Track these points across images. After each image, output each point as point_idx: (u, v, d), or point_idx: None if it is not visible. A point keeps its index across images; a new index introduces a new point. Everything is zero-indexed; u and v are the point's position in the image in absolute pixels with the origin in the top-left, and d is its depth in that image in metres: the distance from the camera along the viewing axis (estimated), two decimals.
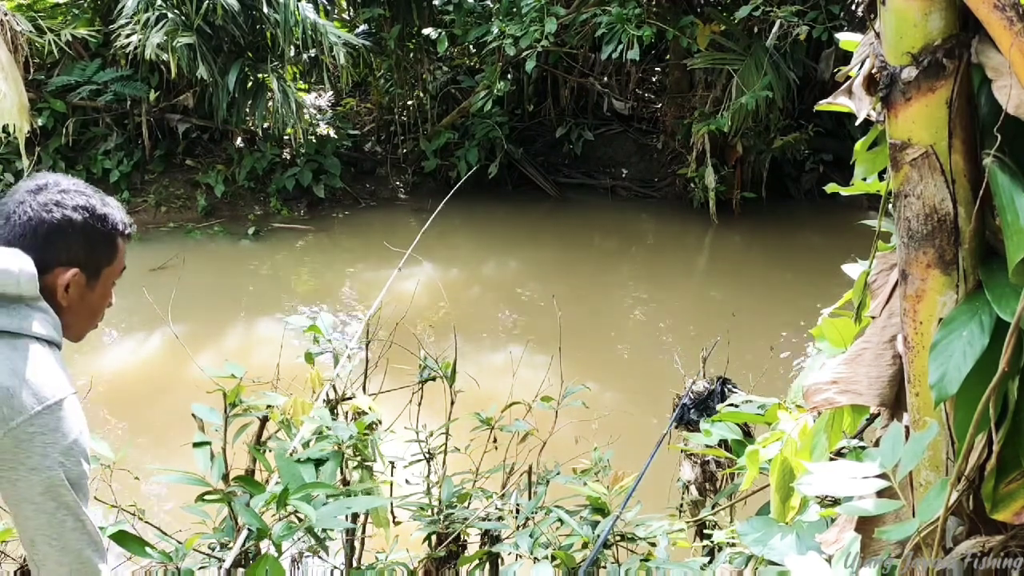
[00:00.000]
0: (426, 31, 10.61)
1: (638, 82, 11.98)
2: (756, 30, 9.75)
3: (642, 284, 8.91)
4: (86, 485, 1.47)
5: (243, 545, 1.95)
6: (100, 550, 1.49)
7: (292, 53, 9.75)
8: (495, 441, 2.61)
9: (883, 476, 1.18)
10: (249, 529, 1.89)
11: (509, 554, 2.29)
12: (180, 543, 1.97)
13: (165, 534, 2.11)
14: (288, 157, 10.52)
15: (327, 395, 2.54)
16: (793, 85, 9.51)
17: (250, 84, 9.47)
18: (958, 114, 1.09)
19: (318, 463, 2.07)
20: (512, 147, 10.91)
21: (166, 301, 3.67)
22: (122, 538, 1.85)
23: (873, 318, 1.36)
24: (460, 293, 8.09)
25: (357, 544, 2.51)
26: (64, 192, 1.59)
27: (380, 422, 2.47)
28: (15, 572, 2.34)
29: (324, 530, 1.93)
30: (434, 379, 2.60)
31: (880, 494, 1.20)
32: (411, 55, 11.25)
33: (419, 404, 2.68)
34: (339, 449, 2.16)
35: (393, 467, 2.55)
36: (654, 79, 12.29)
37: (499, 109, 10.52)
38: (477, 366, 4.59)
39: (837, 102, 1.35)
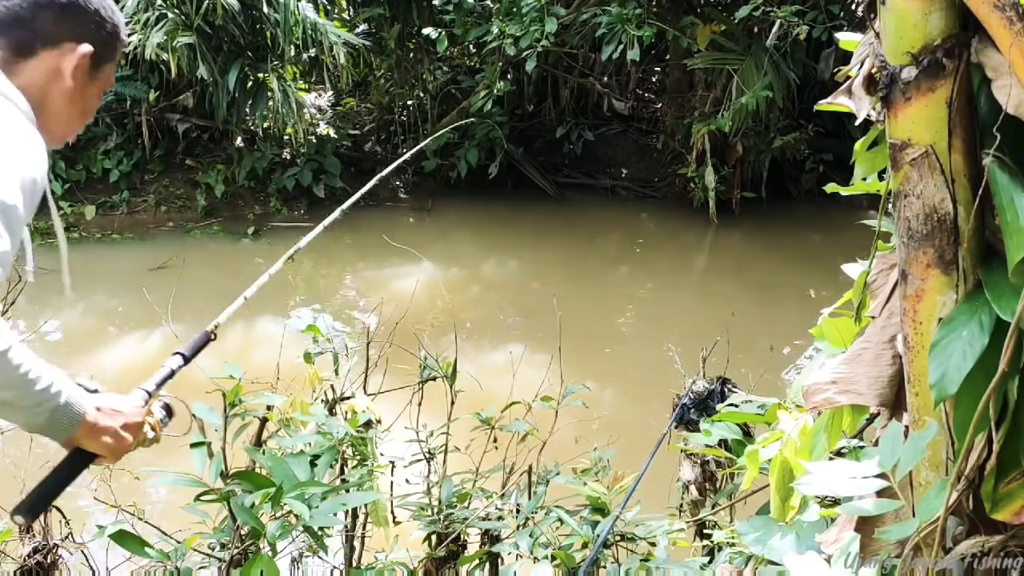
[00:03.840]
0: (426, 31, 10.61)
1: (638, 82, 11.97)
2: (756, 30, 9.75)
3: (642, 284, 8.91)
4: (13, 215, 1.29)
5: (242, 544, 1.96)
6: None
7: (292, 53, 9.74)
8: (495, 441, 2.61)
9: (883, 476, 1.18)
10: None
11: (509, 554, 2.29)
12: (179, 543, 1.97)
13: (165, 534, 2.11)
14: (288, 157, 10.52)
15: (325, 395, 2.54)
16: (793, 85, 9.50)
17: (250, 84, 9.46)
18: (958, 114, 1.09)
19: (313, 460, 2.07)
20: (512, 147, 10.91)
21: (166, 301, 3.67)
22: (122, 538, 1.85)
23: (873, 318, 1.36)
24: (460, 293, 8.09)
25: (357, 544, 2.51)
26: None
27: (380, 421, 2.47)
28: (15, 572, 2.34)
29: (321, 529, 1.93)
30: (434, 379, 2.60)
31: (880, 494, 1.20)
32: (411, 55, 11.25)
33: (419, 404, 2.68)
34: (335, 446, 2.16)
35: (393, 467, 2.55)
36: (654, 79, 12.29)
37: (499, 109, 10.52)
38: (477, 366, 4.59)
39: (837, 102, 1.35)
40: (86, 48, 1.51)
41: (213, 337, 1.82)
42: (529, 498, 2.47)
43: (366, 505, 2.38)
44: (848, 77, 1.29)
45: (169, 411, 1.71)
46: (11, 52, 1.46)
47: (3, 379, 1.28)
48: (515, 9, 9.55)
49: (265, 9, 9.16)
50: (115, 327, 6.97)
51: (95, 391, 1.55)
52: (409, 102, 11.31)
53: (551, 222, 10.35)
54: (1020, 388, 1.09)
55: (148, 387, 1.65)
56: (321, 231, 2.26)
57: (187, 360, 1.75)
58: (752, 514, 1.87)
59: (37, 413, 1.37)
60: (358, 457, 2.35)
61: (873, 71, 1.15)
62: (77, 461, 1.55)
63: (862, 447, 1.64)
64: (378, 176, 2.92)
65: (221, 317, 1.89)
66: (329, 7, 10.91)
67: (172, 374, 1.70)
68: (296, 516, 1.86)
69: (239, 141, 10.54)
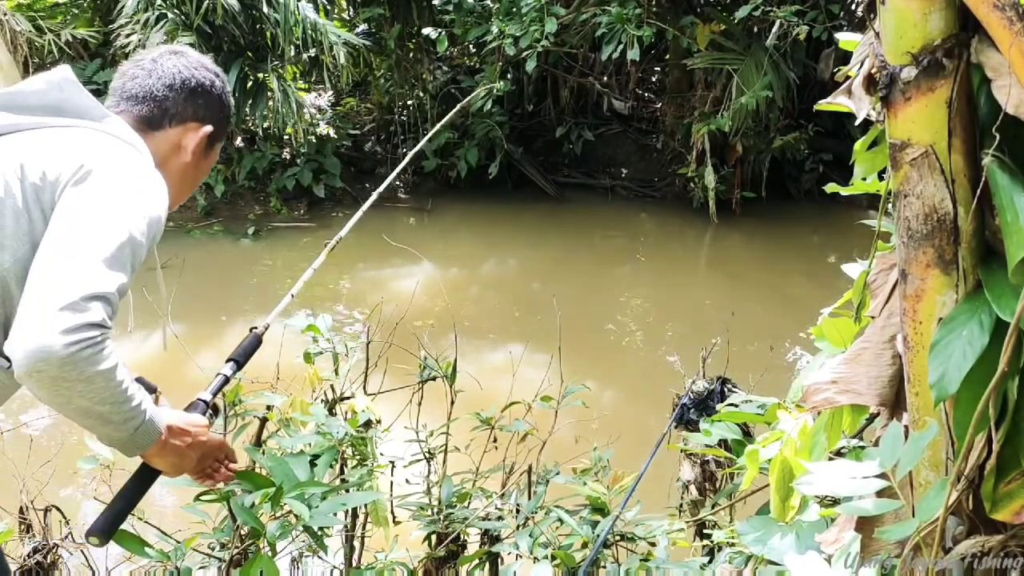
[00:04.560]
0: (426, 31, 10.61)
1: (638, 82, 11.97)
2: (756, 30, 9.75)
3: (642, 284, 8.91)
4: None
5: (242, 544, 1.96)
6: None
7: (292, 53, 9.74)
8: (495, 441, 2.61)
9: (883, 476, 1.18)
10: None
11: (509, 554, 2.29)
12: (179, 543, 1.97)
13: (165, 534, 2.11)
14: (288, 157, 10.52)
15: (325, 395, 2.54)
16: (793, 85, 9.50)
17: (250, 84, 9.46)
18: (958, 114, 1.09)
19: (313, 460, 2.08)
20: (512, 147, 10.91)
21: (166, 301, 3.67)
22: (122, 538, 1.85)
23: (873, 318, 1.36)
24: (460, 292, 8.09)
25: (357, 544, 2.51)
26: (202, 60, 1.68)
27: (380, 421, 2.47)
28: (15, 572, 2.34)
29: (321, 529, 1.93)
30: (434, 379, 2.59)
31: (880, 494, 1.20)
32: (411, 55, 11.25)
33: (419, 404, 2.68)
34: (335, 446, 2.16)
35: (393, 467, 2.55)
36: (654, 79, 12.28)
37: (499, 109, 10.52)
38: (477, 365, 4.59)
39: (837, 102, 1.34)
40: (208, 128, 1.66)
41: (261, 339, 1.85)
42: (529, 498, 2.47)
43: (366, 505, 2.38)
44: (848, 77, 1.29)
45: (216, 411, 1.76)
46: (140, 123, 1.61)
47: (106, 394, 1.33)
48: (515, 9, 9.55)
49: (265, 9, 9.15)
50: (115, 327, 6.96)
51: (155, 390, 1.60)
52: (409, 102, 11.31)
53: (551, 222, 10.35)
54: (1020, 388, 1.09)
55: (205, 397, 1.70)
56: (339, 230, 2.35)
57: (240, 365, 1.79)
58: (752, 514, 1.87)
59: (124, 429, 1.41)
60: (358, 457, 2.35)
61: (873, 71, 1.15)
62: (145, 478, 1.59)
63: (862, 447, 1.64)
64: (414, 151, 3.04)
65: (270, 316, 1.95)
66: (329, 7, 10.90)
67: (227, 380, 1.75)
68: (296, 516, 1.86)
69: (239, 141, 10.53)
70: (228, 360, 1.79)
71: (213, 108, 1.68)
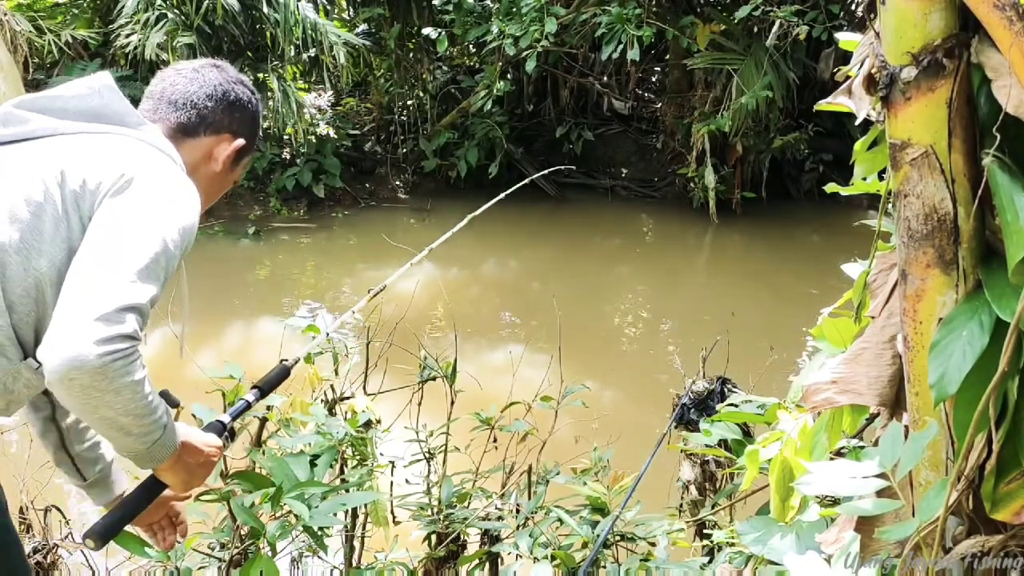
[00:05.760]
0: (426, 31, 10.60)
1: (638, 82, 11.97)
2: (756, 30, 9.75)
3: (642, 284, 8.91)
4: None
5: (242, 544, 1.95)
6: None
7: (292, 53, 9.74)
8: (495, 441, 2.61)
9: (883, 476, 1.18)
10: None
11: (509, 554, 2.29)
12: (179, 542, 1.97)
13: None
14: (288, 157, 10.52)
15: (325, 395, 2.54)
16: (793, 85, 9.50)
17: None
18: (958, 114, 1.09)
19: (313, 460, 2.08)
20: (512, 147, 10.90)
21: (166, 301, 3.66)
22: (122, 538, 1.85)
23: (873, 318, 1.36)
24: (460, 293, 8.09)
25: (356, 544, 2.51)
26: (241, 77, 1.74)
27: (379, 421, 2.47)
28: None
29: (321, 529, 1.93)
30: (434, 379, 2.59)
31: (880, 494, 1.20)
32: (411, 55, 11.25)
33: (419, 404, 2.68)
34: (335, 446, 2.16)
35: (393, 467, 2.55)
36: (654, 79, 12.29)
37: (499, 109, 10.51)
38: (477, 365, 4.59)
39: (837, 102, 1.34)
40: (240, 142, 1.71)
41: (289, 371, 1.90)
42: (529, 498, 2.47)
43: (366, 505, 2.38)
44: (848, 77, 1.29)
45: (233, 435, 1.79)
46: (176, 129, 1.66)
47: (131, 405, 1.35)
48: (515, 9, 9.55)
49: (265, 9, 9.15)
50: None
51: (178, 404, 1.64)
52: (409, 102, 11.31)
53: (551, 222, 10.35)
54: (1020, 388, 1.09)
55: (225, 419, 1.73)
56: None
57: (264, 393, 1.81)
58: (752, 514, 1.87)
59: (142, 441, 1.43)
60: (358, 457, 2.35)
61: (873, 71, 1.15)
62: (151, 490, 1.61)
63: (862, 447, 1.64)
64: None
65: (334, 325, 2.09)
66: (329, 7, 10.90)
67: (248, 406, 1.77)
68: (296, 516, 1.86)
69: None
70: (253, 387, 1.82)
71: (247, 123, 1.73)
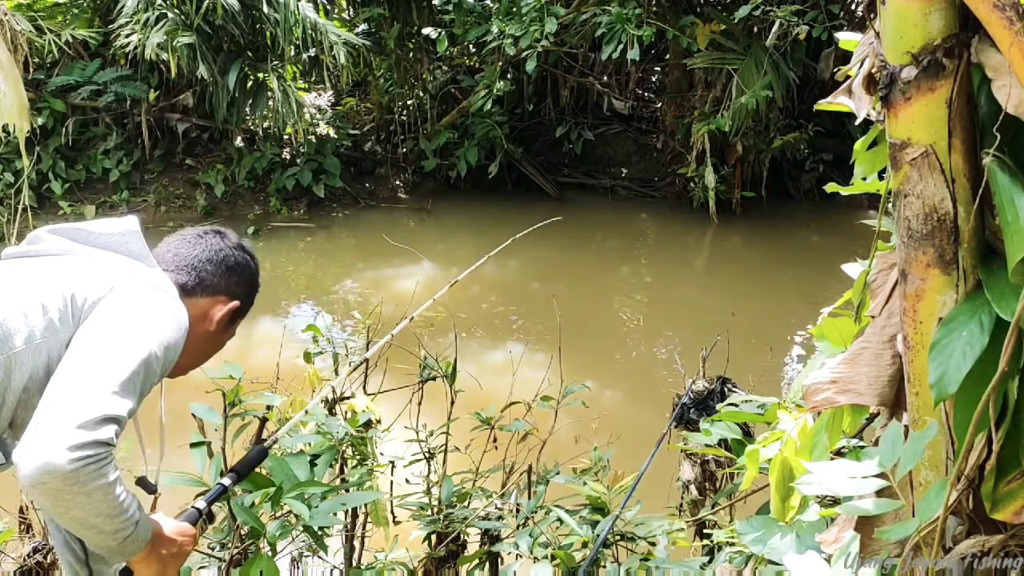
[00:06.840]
0: (426, 31, 10.60)
1: (638, 82, 11.97)
2: (756, 30, 9.75)
3: (642, 284, 8.91)
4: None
5: (242, 544, 1.95)
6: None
7: (292, 52, 9.74)
8: (495, 441, 2.61)
9: (882, 476, 1.18)
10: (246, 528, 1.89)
11: (509, 554, 2.29)
12: None
13: None
14: (288, 157, 10.52)
15: (325, 395, 2.54)
16: (793, 85, 9.50)
17: (250, 83, 9.46)
18: (958, 114, 1.09)
19: (313, 460, 2.08)
20: (512, 147, 10.90)
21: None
22: None
23: (873, 318, 1.36)
24: (460, 293, 8.08)
25: (356, 544, 2.51)
26: (241, 243, 1.85)
27: (379, 420, 2.47)
28: (15, 572, 2.34)
29: (321, 528, 1.93)
30: (434, 379, 2.60)
31: (880, 494, 1.20)
32: (411, 55, 11.25)
33: (419, 404, 2.68)
34: (335, 446, 2.16)
35: (393, 467, 2.55)
36: (654, 79, 12.28)
37: (499, 109, 10.51)
38: (477, 365, 4.59)
39: (837, 102, 1.34)
40: (235, 304, 1.79)
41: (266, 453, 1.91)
42: (529, 498, 2.47)
43: (366, 505, 2.38)
44: (848, 77, 1.29)
45: (211, 518, 1.83)
46: (204, 290, 1.75)
47: (102, 506, 1.38)
48: (515, 9, 9.55)
49: (265, 9, 9.15)
50: None
51: (155, 491, 1.70)
52: (409, 102, 11.30)
53: (551, 222, 10.34)
54: (1020, 388, 1.09)
55: (200, 505, 1.76)
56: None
57: (241, 477, 1.84)
58: (752, 514, 1.87)
59: (113, 539, 1.46)
60: (358, 457, 2.35)
61: (873, 71, 1.15)
62: None
63: (862, 447, 1.64)
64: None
65: (309, 405, 2.06)
66: (329, 7, 10.90)
67: (225, 491, 1.80)
68: (296, 516, 1.86)
69: (239, 141, 10.53)
70: (230, 470, 1.84)
71: (244, 286, 1.82)
